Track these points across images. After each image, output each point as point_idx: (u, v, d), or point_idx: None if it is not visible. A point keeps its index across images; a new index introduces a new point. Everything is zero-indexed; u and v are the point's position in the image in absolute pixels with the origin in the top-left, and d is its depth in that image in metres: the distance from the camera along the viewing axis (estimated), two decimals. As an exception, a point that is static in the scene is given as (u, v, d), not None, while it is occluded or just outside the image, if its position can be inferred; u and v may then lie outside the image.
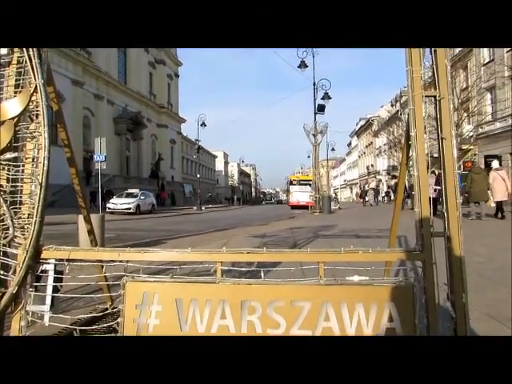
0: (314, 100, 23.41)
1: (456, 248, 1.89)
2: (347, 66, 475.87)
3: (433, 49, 2.06)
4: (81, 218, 4.87)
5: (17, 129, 2.04)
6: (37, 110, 2.04)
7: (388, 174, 52.86)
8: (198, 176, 41.33)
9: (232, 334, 1.89)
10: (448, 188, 1.95)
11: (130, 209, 25.47)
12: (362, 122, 72.27)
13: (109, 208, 25.09)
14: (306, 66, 22.56)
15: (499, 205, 13.27)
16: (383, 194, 45.29)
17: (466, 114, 26.26)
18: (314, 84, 23.42)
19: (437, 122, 2.01)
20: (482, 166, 26.46)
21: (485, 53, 28.04)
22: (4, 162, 2.02)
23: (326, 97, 23.38)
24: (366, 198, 37.56)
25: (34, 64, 2.04)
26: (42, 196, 1.99)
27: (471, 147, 28.76)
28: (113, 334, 2.08)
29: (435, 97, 2.03)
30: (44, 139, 2.01)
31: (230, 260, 2.05)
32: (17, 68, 2.09)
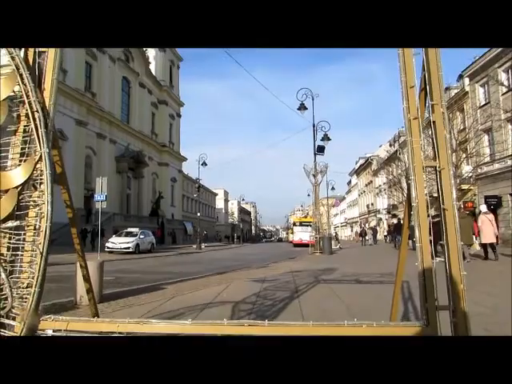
0: (314, 142, 23.73)
1: (461, 322, 1.86)
2: (347, 108, 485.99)
3: (432, 119, 2.11)
4: (78, 267, 4.84)
5: (20, 197, 2.05)
6: (41, 179, 2.06)
7: (388, 212, 52.82)
8: (198, 214, 41.31)
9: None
10: (452, 260, 1.94)
11: (129, 248, 25.31)
12: (362, 161, 72.91)
13: (108, 247, 24.95)
14: (306, 109, 22.96)
15: (491, 246, 13.90)
16: (385, 233, 45.41)
17: (464, 155, 26.51)
18: (314, 126, 23.81)
19: (438, 192, 2.03)
20: (484, 206, 26.55)
21: (480, 95, 28.63)
22: (5, 231, 2.02)
23: (326, 138, 23.72)
24: (366, 237, 38.07)
25: (40, 133, 2.08)
26: (42, 265, 1.97)
27: (471, 187, 28.89)
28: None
29: (435, 167, 2.06)
30: (47, 208, 2.01)
31: (230, 333, 2.01)
32: (23, 137, 2.12)
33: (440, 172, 2.03)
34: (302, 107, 22.80)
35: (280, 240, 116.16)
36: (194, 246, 36.06)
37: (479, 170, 27.98)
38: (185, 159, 63.99)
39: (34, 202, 2.06)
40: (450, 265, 1.92)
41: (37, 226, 2.04)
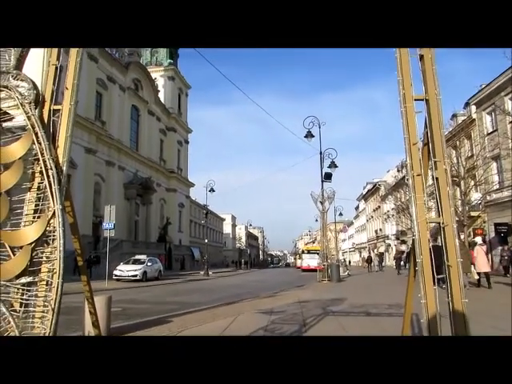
0: (321, 169, 23.81)
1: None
2: (353, 132, 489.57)
3: (435, 176, 2.15)
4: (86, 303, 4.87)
5: (33, 253, 2.10)
6: (53, 235, 2.12)
7: (397, 238, 52.34)
8: (206, 241, 41.27)
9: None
10: (457, 316, 1.95)
11: (136, 276, 25.21)
12: (369, 186, 72.78)
13: (115, 275, 24.91)
14: (313, 136, 22.98)
15: (486, 275, 14.95)
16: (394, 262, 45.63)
17: (472, 183, 26.38)
18: (321, 153, 23.93)
19: (443, 248, 2.05)
20: (492, 234, 26.34)
21: (488, 123, 28.67)
22: (19, 286, 2.07)
23: (333, 165, 23.78)
24: (372, 264, 39.87)
25: (53, 190, 2.14)
26: (53, 322, 2.01)
27: (481, 214, 28.66)
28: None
29: (439, 223, 2.09)
30: (59, 265, 2.06)
31: None
32: (37, 194, 2.19)
33: (444, 228, 2.06)
34: (309, 135, 22.90)
35: (288, 265, 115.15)
36: (202, 273, 35.88)
37: (488, 197, 27.81)
38: (192, 185, 64.31)
39: (47, 257, 2.11)
40: (457, 326, 1.93)
41: (49, 282, 2.08)
